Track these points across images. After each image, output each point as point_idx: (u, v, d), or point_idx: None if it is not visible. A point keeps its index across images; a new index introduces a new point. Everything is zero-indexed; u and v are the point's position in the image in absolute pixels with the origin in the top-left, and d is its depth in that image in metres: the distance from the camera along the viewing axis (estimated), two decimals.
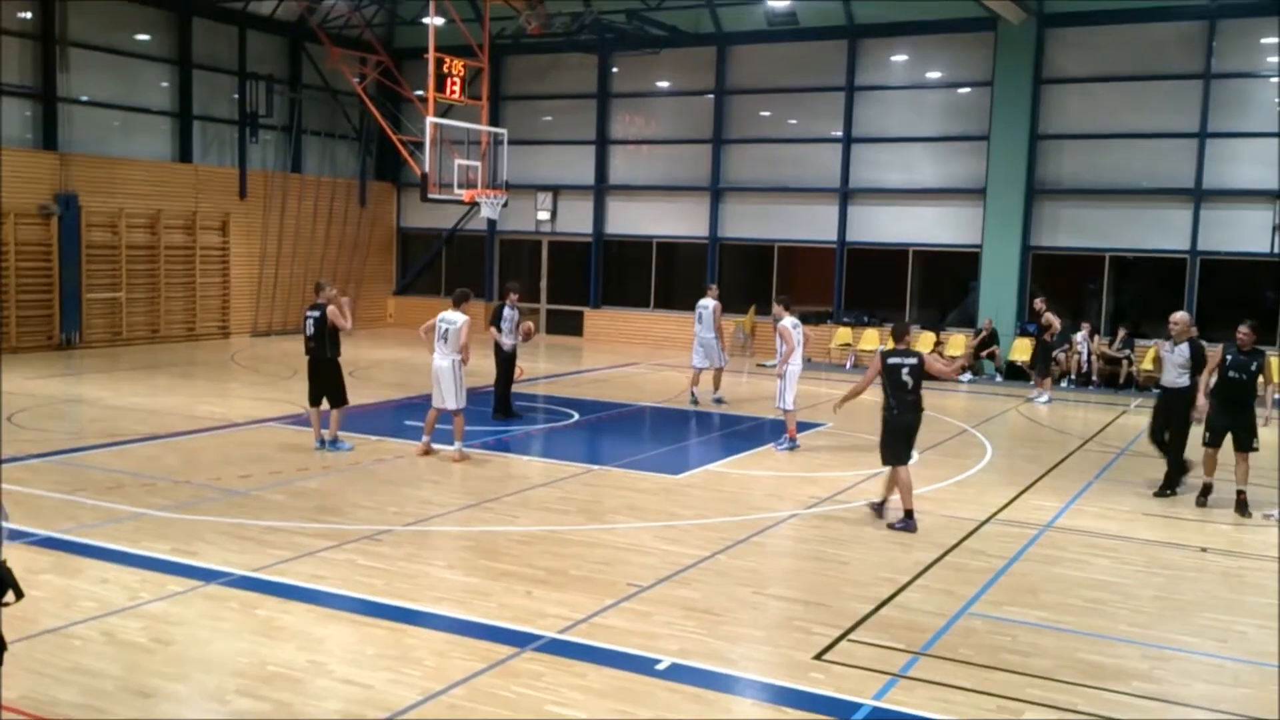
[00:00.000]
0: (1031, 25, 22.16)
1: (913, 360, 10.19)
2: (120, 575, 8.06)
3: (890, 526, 10.07)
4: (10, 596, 4.27)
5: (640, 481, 11.86)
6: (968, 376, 22.22)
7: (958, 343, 23.14)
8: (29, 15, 21.64)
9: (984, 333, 22.61)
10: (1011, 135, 22.66)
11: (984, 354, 22.55)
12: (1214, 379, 11.14)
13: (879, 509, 10.46)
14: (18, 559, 4.84)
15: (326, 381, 12.91)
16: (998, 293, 22.98)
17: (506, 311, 15.53)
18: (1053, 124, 22.75)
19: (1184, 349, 11.40)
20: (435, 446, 12.75)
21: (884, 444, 10.35)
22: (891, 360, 10.17)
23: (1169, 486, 11.68)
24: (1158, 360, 12.04)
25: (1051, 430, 16.18)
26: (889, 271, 24.67)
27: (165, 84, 24.58)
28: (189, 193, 24.56)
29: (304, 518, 9.85)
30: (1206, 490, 11.31)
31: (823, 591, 8.23)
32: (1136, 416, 17.85)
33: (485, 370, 16.17)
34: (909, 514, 10.05)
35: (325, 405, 12.92)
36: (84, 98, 22.75)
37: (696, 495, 11.36)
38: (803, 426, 14.53)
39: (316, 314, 12.86)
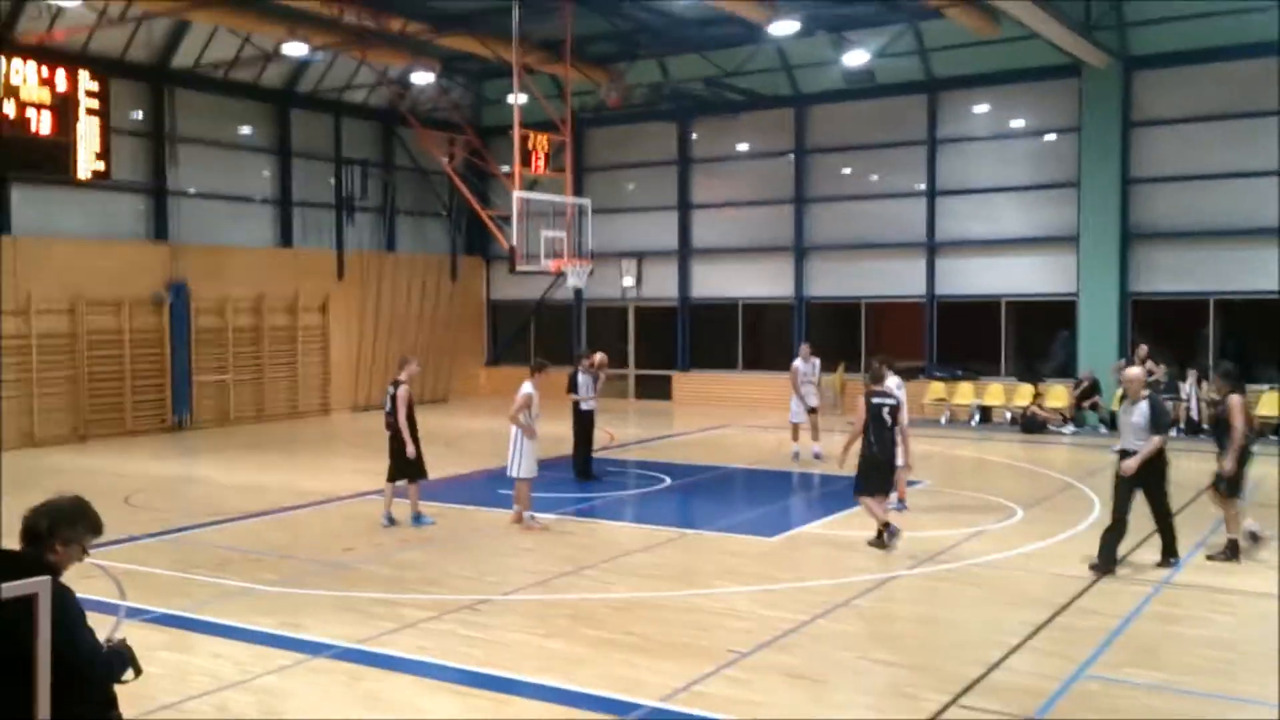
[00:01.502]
0: (1117, 69, 21.88)
1: (891, 401, 11.46)
2: (231, 650, 8.27)
3: (869, 544, 11.22)
4: (130, 674, 4.42)
5: (735, 545, 11.78)
6: (1070, 428, 21.67)
7: (1058, 394, 22.60)
8: (141, 115, 22.84)
9: (1085, 383, 22.06)
10: (1102, 180, 22.28)
11: (1086, 405, 21.98)
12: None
13: (888, 534, 11.16)
14: (135, 636, 5.03)
15: (405, 456, 12.88)
16: (1097, 341, 22.43)
17: (581, 377, 15.73)
18: (1145, 167, 22.31)
19: (1143, 407, 10.18)
20: (520, 515, 12.81)
21: (863, 476, 11.36)
22: (875, 400, 11.37)
23: (1172, 554, 10.39)
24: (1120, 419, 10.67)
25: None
26: (981, 323, 24.30)
27: (266, 173, 25.64)
28: (290, 276, 25.45)
29: (406, 589, 10.00)
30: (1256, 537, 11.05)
31: (929, 655, 8.04)
32: (1255, 466, 17.16)
33: (565, 436, 16.29)
34: (886, 525, 11.18)
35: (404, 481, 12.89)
36: (192, 190, 23.84)
37: (793, 558, 11.24)
38: None
39: (392, 391, 12.99)
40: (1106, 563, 10.16)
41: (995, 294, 24.08)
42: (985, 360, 24.23)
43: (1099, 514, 13.23)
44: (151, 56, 22.61)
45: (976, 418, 23.25)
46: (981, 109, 24.31)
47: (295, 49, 20.72)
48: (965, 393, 23.76)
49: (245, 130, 25.11)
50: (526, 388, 12.70)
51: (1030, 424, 21.84)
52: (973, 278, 24.33)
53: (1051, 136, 23.53)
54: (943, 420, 23.37)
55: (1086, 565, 10.25)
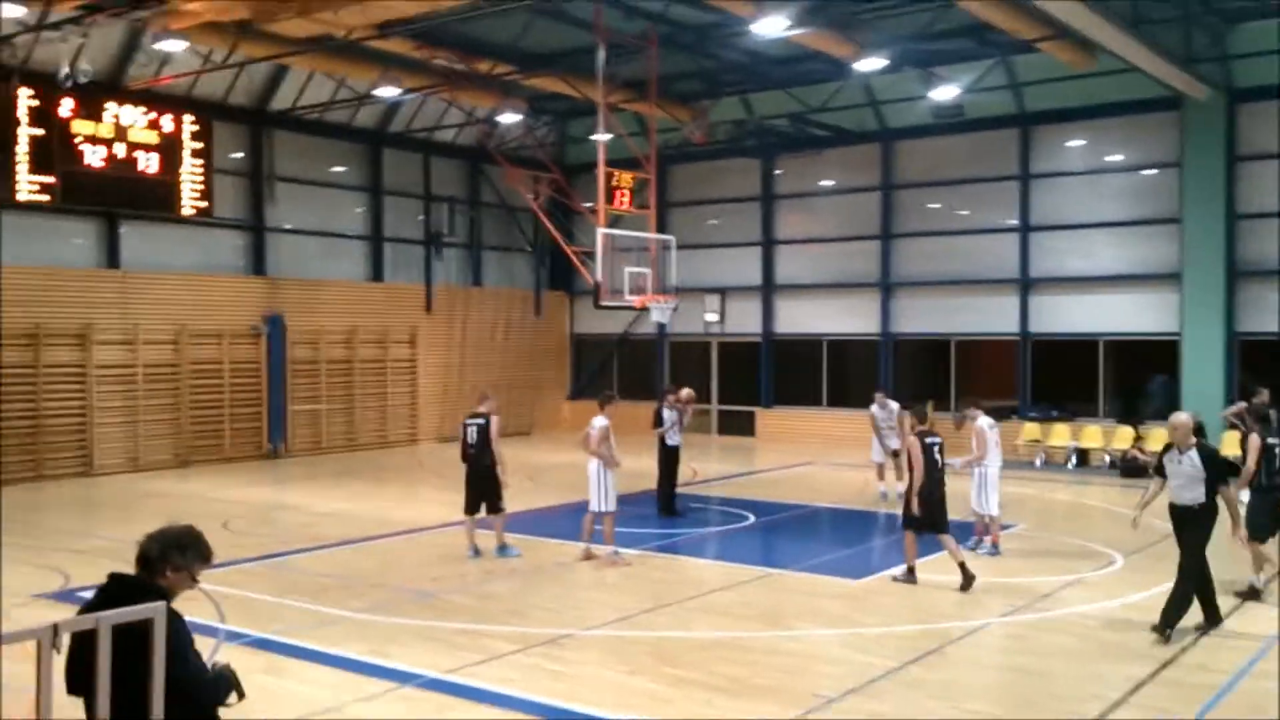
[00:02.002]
0: (1219, 101, 21.27)
1: (939, 440, 11.67)
2: (323, 676, 8.40)
3: (893, 579, 11.54)
4: (234, 697, 4.54)
5: (821, 586, 11.62)
6: None
7: (1159, 437, 21.86)
8: (241, 155, 23.66)
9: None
10: (1206, 216, 21.60)
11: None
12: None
13: (906, 574, 11.49)
14: (235, 660, 5.14)
15: (486, 488, 13.05)
16: (1202, 383, 21.57)
17: (666, 413, 15.73)
18: (1253, 202, 21.56)
19: (1193, 456, 9.45)
20: (595, 550, 12.79)
21: (924, 514, 11.40)
22: (928, 440, 11.51)
23: (1167, 624, 9.35)
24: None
25: None
26: (1077, 362, 23.72)
27: (359, 210, 26.32)
28: (381, 309, 26.02)
29: (491, 620, 10.06)
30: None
31: (1024, 707, 7.80)
32: None
33: (650, 471, 16.26)
34: (911, 570, 11.51)
35: (483, 513, 13.02)
36: (288, 226, 24.57)
37: (882, 601, 11.02)
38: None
39: (480, 422, 13.07)
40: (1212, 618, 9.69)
41: (1092, 333, 23.51)
42: (1082, 401, 23.59)
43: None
44: (251, 100, 23.44)
45: (1073, 460, 22.62)
46: (1076, 143, 23.86)
47: (387, 91, 21.27)
48: (1061, 434, 23.15)
49: (339, 169, 25.83)
50: (602, 420, 12.73)
51: (1130, 468, 21.11)
52: (1068, 315, 23.79)
53: (1151, 171, 22.98)
54: (1037, 462, 22.79)
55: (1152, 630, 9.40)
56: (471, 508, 13.08)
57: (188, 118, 21.54)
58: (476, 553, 12.90)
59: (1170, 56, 19.00)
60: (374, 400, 25.75)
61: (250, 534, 14.58)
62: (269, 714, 7.50)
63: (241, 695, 4.53)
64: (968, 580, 11.14)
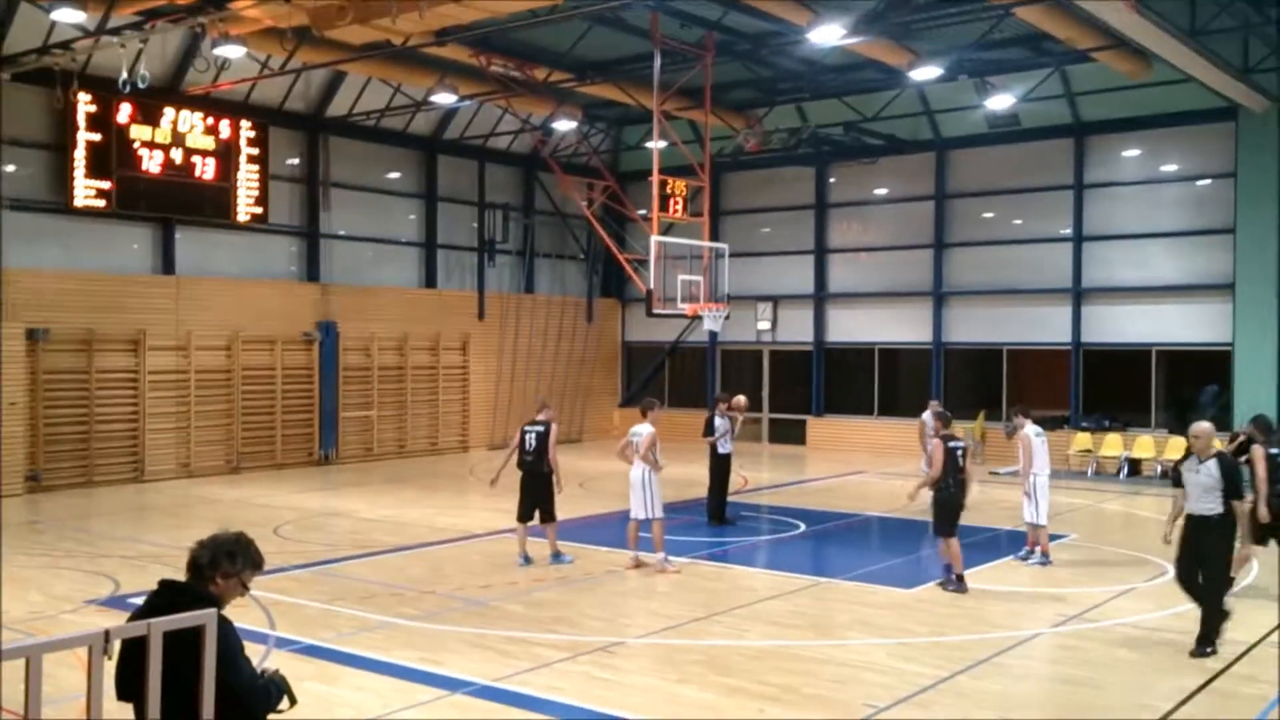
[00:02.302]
0: (1275, 112, 20.93)
1: (962, 444, 12.07)
2: (375, 683, 8.51)
3: (941, 586, 11.63)
4: (285, 703, 4.61)
5: (871, 595, 11.59)
6: None
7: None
8: (297, 161, 24.04)
9: (1242, 437, 20.93)
10: (1261, 227, 21.27)
11: (1243, 460, 20.84)
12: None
13: (956, 582, 11.58)
14: (284, 666, 5.25)
15: (541, 496, 13.13)
16: (1255, 393, 21.28)
17: (718, 421, 15.74)
18: None
19: (1211, 466, 9.32)
20: (644, 557, 12.86)
21: (942, 518, 11.78)
22: (951, 444, 11.85)
23: (1208, 643, 9.24)
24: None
25: None
26: (1129, 373, 23.41)
27: (413, 216, 26.62)
28: (433, 316, 26.27)
29: (541, 628, 10.14)
30: None
31: (1073, 717, 7.75)
32: None
33: (700, 478, 16.29)
34: (960, 577, 11.61)
35: (536, 521, 13.09)
36: (342, 232, 24.91)
37: (932, 611, 10.97)
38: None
39: (540, 429, 13.19)
40: (1208, 638, 9.24)
41: (1145, 343, 23.19)
42: (1134, 411, 23.30)
43: (1257, 574, 12.56)
44: (308, 106, 23.81)
45: (1125, 470, 22.33)
46: (1131, 153, 23.57)
47: (443, 98, 21.52)
48: (1113, 444, 22.86)
49: (394, 175, 26.14)
50: (647, 427, 12.81)
51: (1182, 479, 20.83)
52: (1121, 325, 23.50)
53: (1206, 181, 22.64)
54: (1089, 472, 22.53)
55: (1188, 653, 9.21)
56: (525, 515, 13.15)
57: (244, 123, 21.94)
58: (527, 560, 12.98)
59: (1227, 67, 18.71)
60: (425, 407, 25.98)
61: (300, 540, 14.77)
62: None
63: (294, 701, 4.58)
64: (958, 585, 11.63)
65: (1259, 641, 9.69)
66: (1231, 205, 21.82)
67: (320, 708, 7.86)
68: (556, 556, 13.06)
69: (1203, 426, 9.54)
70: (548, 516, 13.11)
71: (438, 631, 10.06)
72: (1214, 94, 19.98)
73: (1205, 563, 9.33)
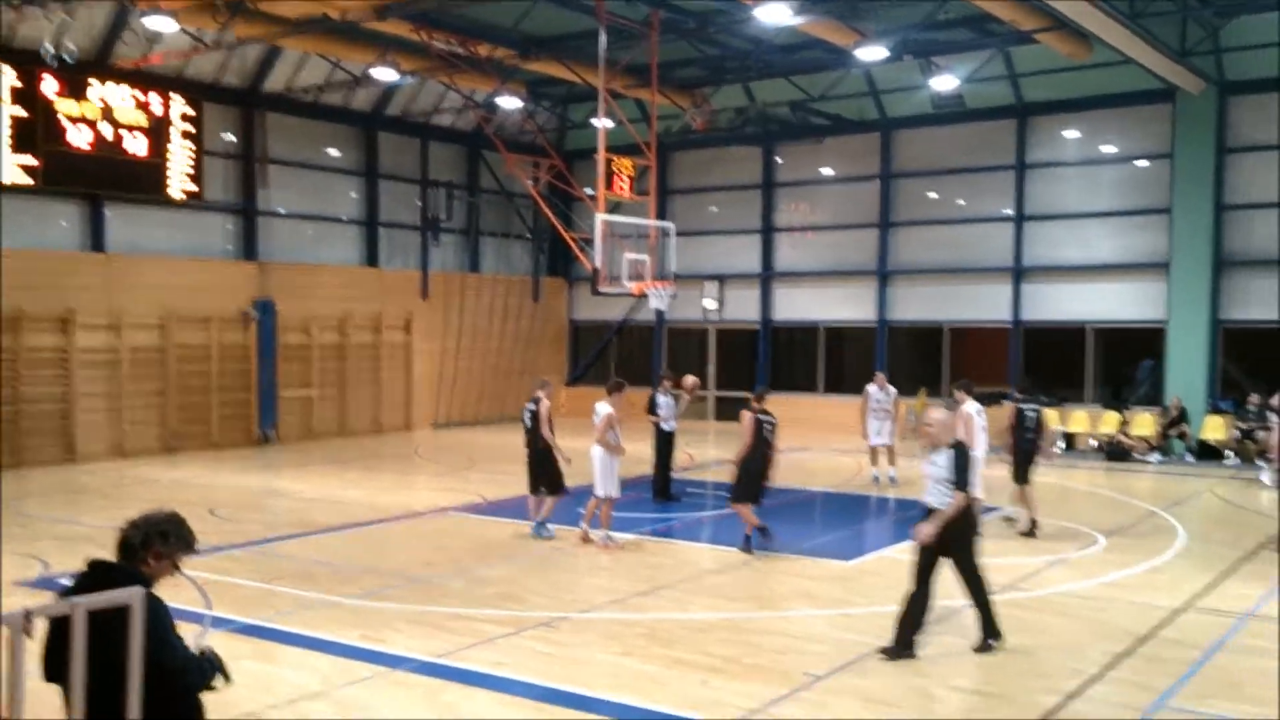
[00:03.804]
0: (1212, 94, 21.36)
1: (773, 420, 12.62)
2: (314, 661, 8.44)
3: (748, 546, 12.22)
4: (220, 680, 4.55)
5: (813, 568, 11.71)
6: (1157, 457, 21.11)
7: (1145, 422, 22.03)
8: (232, 137, 23.59)
9: (1173, 411, 21.48)
10: (1195, 207, 21.74)
11: (1174, 433, 21.40)
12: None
13: (761, 536, 12.28)
14: (220, 645, 5.17)
15: (543, 469, 13.30)
16: (1186, 369, 21.84)
17: (661, 398, 15.82)
18: (1240, 193, 21.71)
19: (944, 457, 8.53)
20: (591, 533, 12.93)
21: (743, 486, 12.37)
22: (762, 418, 12.44)
23: (905, 648, 8.48)
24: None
25: (1250, 512, 15.14)
26: (1067, 350, 23.83)
27: (354, 194, 26.27)
28: (375, 295, 25.99)
29: (484, 604, 10.12)
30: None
31: (1005, 683, 7.91)
32: None
33: (645, 456, 16.32)
34: (749, 538, 12.31)
35: (544, 493, 13.34)
36: (281, 210, 24.52)
37: (871, 582, 11.11)
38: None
39: (533, 407, 13.44)
40: (900, 645, 8.49)
41: (1082, 320, 23.61)
42: (1071, 387, 23.74)
43: (1184, 543, 12.89)
44: (244, 81, 23.35)
45: (1061, 445, 22.76)
46: (1072, 134, 23.91)
47: (384, 74, 21.21)
48: (1050, 419, 23.22)
49: (333, 152, 25.77)
50: (606, 407, 12.87)
51: (1115, 452, 21.35)
52: (1059, 303, 23.89)
53: (1144, 162, 23.04)
54: None
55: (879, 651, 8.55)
56: (533, 487, 13.45)
57: (177, 99, 21.43)
58: (534, 523, 13.24)
59: (1165, 49, 19.02)
60: (368, 387, 25.73)
61: (238, 520, 14.57)
62: (258, 700, 7.55)
63: (228, 679, 4.53)
64: (747, 545, 12.25)
65: (1185, 607, 9.94)
66: (1168, 186, 22.24)
67: (259, 686, 7.78)
68: (540, 525, 13.20)
69: (936, 414, 8.85)
70: (549, 488, 13.29)
71: (379, 609, 9.98)
72: (1152, 76, 20.31)
73: (954, 561, 8.59)
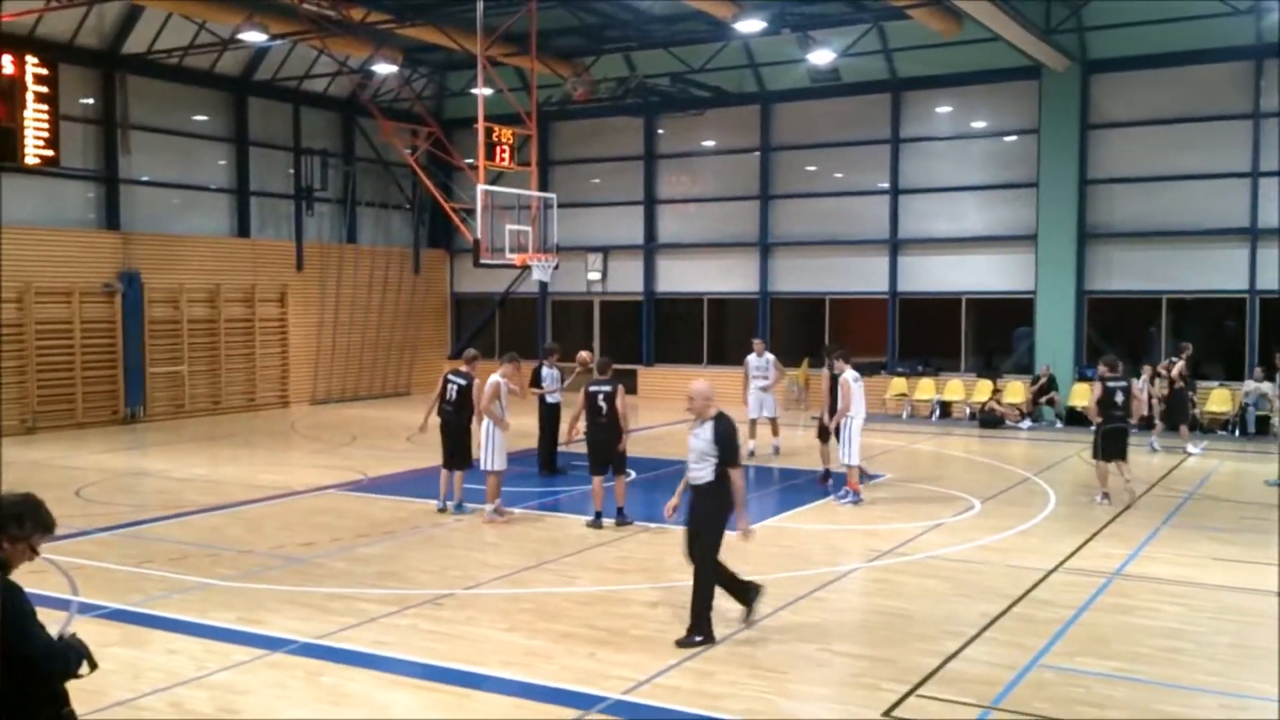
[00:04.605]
0: (1075, 72, 22.13)
1: (608, 388, 12.44)
2: (187, 646, 8.14)
3: (596, 522, 12.30)
4: (85, 668, 4.34)
5: None
6: (1027, 424, 21.94)
7: (1016, 390, 22.86)
8: (91, 101, 22.44)
9: (1042, 379, 22.33)
10: (1060, 181, 22.54)
11: (1043, 400, 22.26)
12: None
13: (596, 519, 12.36)
14: (89, 633, 4.93)
15: (460, 444, 13.13)
16: (1054, 338, 22.72)
17: (545, 371, 15.77)
18: (1102, 168, 22.60)
19: (707, 430, 8.17)
20: (479, 508, 12.86)
21: (590, 459, 12.52)
22: (592, 389, 12.45)
23: (701, 635, 8.06)
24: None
25: (1116, 476, 15.82)
26: (942, 320, 24.52)
27: (223, 162, 25.30)
28: (247, 266, 25.15)
29: (366, 584, 9.91)
30: None
31: (889, 646, 8.10)
32: (1203, 460, 17.48)
33: (531, 429, 16.23)
34: (599, 514, 12.36)
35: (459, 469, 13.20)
36: (145, 178, 23.47)
37: (756, 551, 11.20)
38: (860, 479, 14.35)
39: (462, 381, 13.20)
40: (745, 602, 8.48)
41: (956, 291, 24.31)
42: (946, 356, 24.46)
43: (1054, 507, 13.42)
44: (102, 42, 22.23)
45: (936, 413, 23.47)
46: (944, 109, 24.50)
47: (253, 36, 20.40)
48: (926, 388, 23.97)
49: (200, 118, 24.75)
50: (495, 377, 12.75)
51: (988, 419, 22.11)
52: (934, 275, 24.55)
53: (1012, 137, 23.77)
54: (904, 415, 23.58)
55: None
56: (447, 461, 13.23)
57: (30, 59, 20.17)
58: (458, 505, 13.09)
59: (1031, 27, 19.59)
60: (241, 362, 24.92)
61: (105, 502, 14.00)
62: (129, 687, 7.26)
63: (94, 666, 4.33)
64: (595, 521, 12.36)
65: (1056, 568, 10.34)
66: (1035, 160, 22.99)
67: (129, 673, 7.49)
68: (459, 506, 13.04)
69: (698, 385, 8.34)
70: (464, 464, 13.13)
71: (256, 591, 9.69)
72: (1019, 53, 20.91)
73: (695, 535, 8.25)
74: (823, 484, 14.69)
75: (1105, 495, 13.59)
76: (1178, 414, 18.27)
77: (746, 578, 8.62)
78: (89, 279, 21.80)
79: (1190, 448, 18.07)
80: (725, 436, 8.09)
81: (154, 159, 23.61)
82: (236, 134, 25.30)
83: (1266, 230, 21.09)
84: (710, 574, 8.19)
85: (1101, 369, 14.08)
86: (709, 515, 8.18)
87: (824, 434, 14.59)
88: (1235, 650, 8.02)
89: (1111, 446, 13.67)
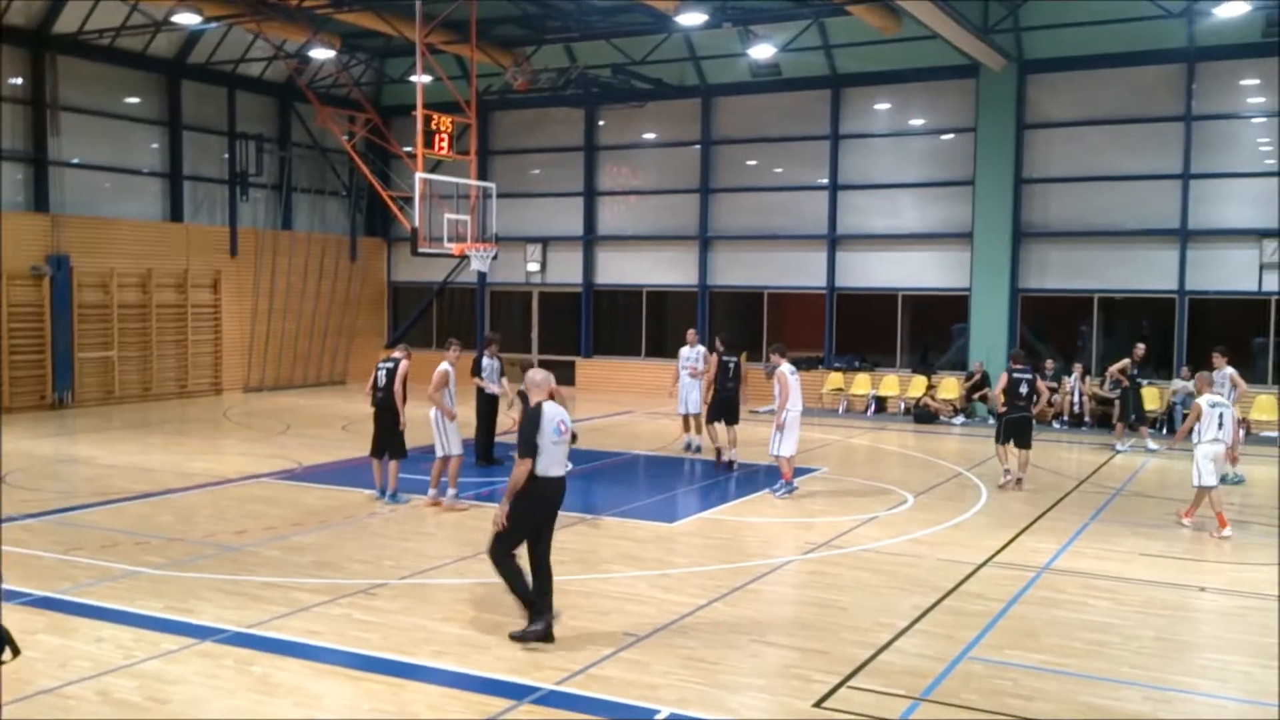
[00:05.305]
0: (1012, 71, 22.49)
1: (389, 366, 12.99)
2: (115, 634, 8.00)
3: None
4: (8, 654, 4.26)
5: (635, 530, 11.83)
6: (961, 419, 22.30)
7: (950, 386, 23.24)
8: (20, 81, 21.84)
9: (976, 375, 22.71)
10: (996, 180, 22.91)
11: (976, 396, 22.63)
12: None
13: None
14: (13, 620, 4.83)
15: (391, 433, 13.02)
16: (988, 335, 23.09)
17: (485, 361, 15.71)
18: (1037, 168, 23.02)
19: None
20: (439, 496, 12.85)
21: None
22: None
23: (540, 634, 7.87)
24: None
25: (1047, 472, 16.19)
26: (879, 316, 24.80)
27: (155, 145, 24.77)
28: (180, 252, 24.67)
29: (299, 573, 9.80)
30: None
31: (821, 638, 8.20)
32: (1132, 456, 17.92)
33: (468, 419, 16.16)
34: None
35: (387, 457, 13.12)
36: (75, 160, 22.90)
37: (692, 543, 11.33)
38: (797, 472, 14.50)
39: (390, 365, 13.12)
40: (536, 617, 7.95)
41: (893, 287, 24.61)
42: (882, 352, 24.76)
43: (985, 502, 13.67)
44: (31, 21, 21.64)
45: (872, 408, 23.76)
46: (883, 106, 24.76)
47: (186, 18, 20.01)
48: (862, 383, 24.25)
49: (132, 100, 24.20)
50: (443, 365, 12.72)
51: (923, 414, 22.44)
52: (872, 271, 24.82)
53: (949, 135, 24.10)
54: (840, 410, 23.83)
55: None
56: (375, 451, 13.15)
57: None
58: (383, 494, 13.00)
59: (969, 26, 19.87)
60: (172, 348, 24.45)
61: (32, 489, 13.69)
62: (54, 675, 7.13)
63: (16, 652, 4.26)
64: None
65: (986, 562, 10.55)
66: (972, 159, 23.34)
67: (54, 661, 7.36)
68: (394, 495, 12.96)
69: (533, 376, 8.24)
70: (396, 453, 13.05)
71: (187, 579, 9.54)
72: (957, 52, 21.19)
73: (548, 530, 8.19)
74: (723, 469, 15.69)
75: (1007, 471, 14.58)
76: (1129, 412, 18.56)
77: (555, 608, 8.01)
78: (16, 262, 21.24)
79: (1119, 445, 18.49)
80: (522, 427, 7.96)
81: (85, 141, 23.05)
82: (170, 117, 24.77)
83: (1196, 231, 21.63)
84: (496, 562, 8.00)
85: (1011, 361, 15.04)
86: (516, 511, 7.91)
87: (713, 416, 15.85)
88: (1160, 644, 8.24)
89: (1013, 434, 14.51)
